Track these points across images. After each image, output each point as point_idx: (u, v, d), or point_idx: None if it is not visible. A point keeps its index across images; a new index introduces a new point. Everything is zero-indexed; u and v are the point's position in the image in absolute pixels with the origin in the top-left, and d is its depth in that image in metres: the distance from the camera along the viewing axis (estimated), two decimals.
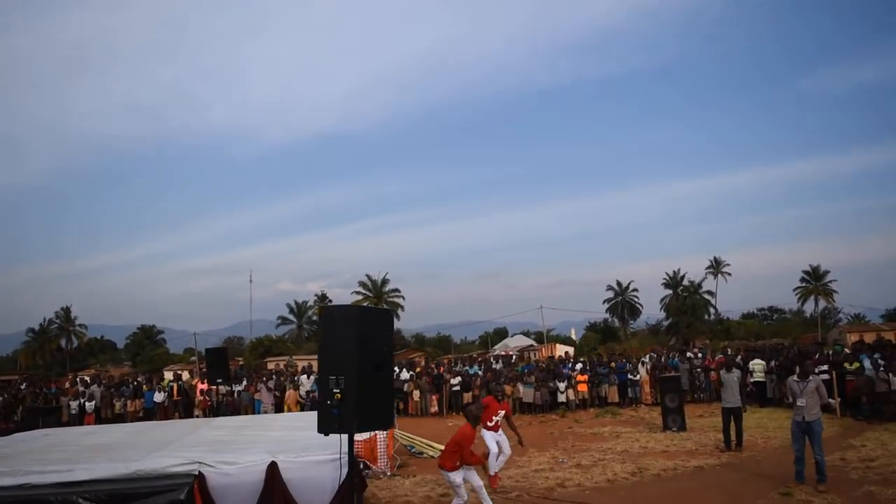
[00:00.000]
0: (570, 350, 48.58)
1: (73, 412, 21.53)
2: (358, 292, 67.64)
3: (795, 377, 9.89)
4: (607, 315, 78.89)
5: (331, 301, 73.43)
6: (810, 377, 9.59)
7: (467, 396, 21.42)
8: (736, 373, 12.70)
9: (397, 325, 76.37)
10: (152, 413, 21.89)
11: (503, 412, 10.51)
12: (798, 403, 9.49)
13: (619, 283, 77.49)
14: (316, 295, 79.00)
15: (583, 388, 21.67)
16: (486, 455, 9.92)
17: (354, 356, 4.43)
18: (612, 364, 22.93)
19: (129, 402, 22.62)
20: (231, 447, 7.33)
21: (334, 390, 4.47)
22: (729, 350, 26.01)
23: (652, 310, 79.61)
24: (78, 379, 28.54)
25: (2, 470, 6.54)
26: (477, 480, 8.25)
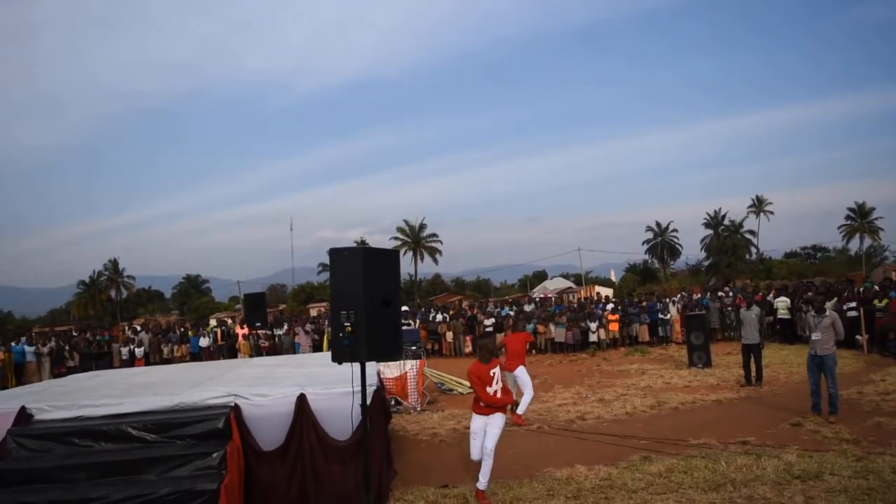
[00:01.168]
0: (608, 292, 48.70)
1: (124, 357, 22.65)
2: (396, 238, 68.31)
3: (813, 312, 10.11)
4: (647, 256, 78.66)
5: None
6: (826, 312, 9.81)
7: (499, 338, 21.94)
8: (755, 310, 12.93)
9: (436, 269, 77.26)
10: (198, 357, 22.88)
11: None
12: (813, 337, 9.74)
13: (658, 224, 76.94)
14: (355, 241, 79.82)
15: (614, 327, 22.07)
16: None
17: (362, 293, 4.86)
18: (643, 303, 23.23)
19: (175, 348, 23.70)
20: (265, 382, 7.88)
21: (345, 324, 4.92)
22: (759, 288, 26.06)
23: (692, 250, 79.18)
24: (128, 326, 29.79)
25: (60, 404, 7.22)
26: (490, 441, 7.05)
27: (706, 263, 72.66)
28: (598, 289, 52.35)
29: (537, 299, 37.01)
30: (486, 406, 7.11)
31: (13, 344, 21.40)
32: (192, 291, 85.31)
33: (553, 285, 63.38)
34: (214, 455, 6.26)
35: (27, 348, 20.85)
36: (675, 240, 76.90)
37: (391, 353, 5.49)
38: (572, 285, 61.87)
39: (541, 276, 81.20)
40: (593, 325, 21.99)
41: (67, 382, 10.20)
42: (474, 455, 7.13)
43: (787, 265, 68.37)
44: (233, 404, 6.87)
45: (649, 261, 79.04)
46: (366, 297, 4.87)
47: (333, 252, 5.08)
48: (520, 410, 10.51)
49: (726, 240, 69.54)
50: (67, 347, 22.42)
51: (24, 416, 6.98)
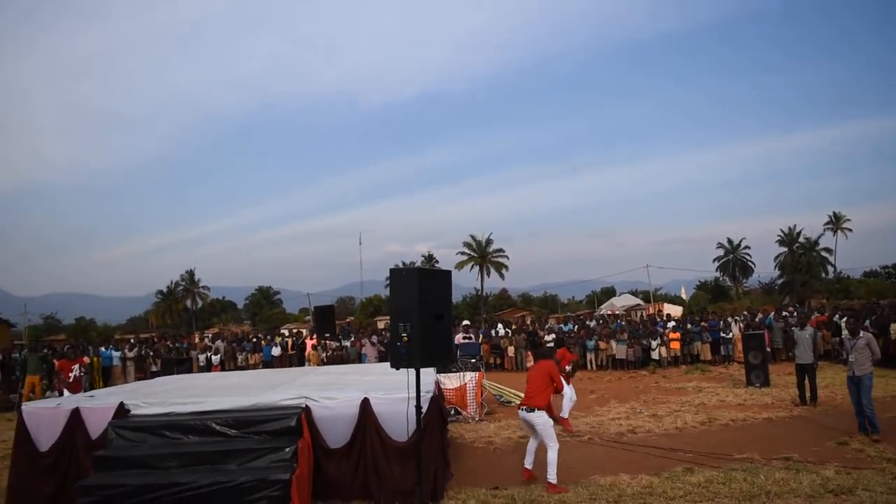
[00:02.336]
0: (678, 309, 48.20)
1: (201, 364, 23.91)
2: (462, 253, 68.72)
3: (848, 335, 10.35)
4: (718, 274, 77.31)
5: (437, 261, 75.18)
6: (861, 334, 10.04)
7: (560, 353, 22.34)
8: (808, 330, 13.10)
9: (503, 284, 77.46)
10: (270, 365, 23.95)
11: (574, 360, 11.34)
12: (850, 359, 9.99)
13: (730, 241, 75.56)
14: (423, 256, 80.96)
15: (675, 345, 22.21)
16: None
17: (417, 308, 5.51)
18: (705, 322, 23.28)
19: (249, 356, 24.88)
20: (333, 387, 8.63)
21: (402, 334, 5.57)
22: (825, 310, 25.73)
23: (765, 268, 77.32)
24: (205, 335, 31.29)
25: (152, 401, 8.13)
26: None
27: (780, 282, 70.96)
28: (666, 306, 51.87)
29: (605, 316, 37.13)
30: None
31: (102, 349, 22.99)
32: (264, 302, 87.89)
33: (621, 302, 62.82)
34: (287, 450, 7.01)
35: (114, 353, 22.40)
36: (748, 257, 75.39)
37: (442, 361, 6.16)
38: (640, 302, 61.27)
39: (609, 293, 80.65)
40: (654, 343, 22.19)
41: (155, 384, 11.21)
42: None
43: (866, 284, 66.10)
44: (304, 405, 7.64)
45: (720, 278, 77.70)
46: (420, 312, 5.53)
47: (393, 272, 5.78)
48: (564, 414, 11.38)
49: (801, 258, 67.78)
50: (151, 353, 23.85)
51: (122, 410, 7.92)
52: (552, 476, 7.85)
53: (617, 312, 45.88)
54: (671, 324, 23.86)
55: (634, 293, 72.34)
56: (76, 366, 15.35)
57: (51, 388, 19.14)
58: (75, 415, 7.97)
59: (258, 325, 66.04)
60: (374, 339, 23.88)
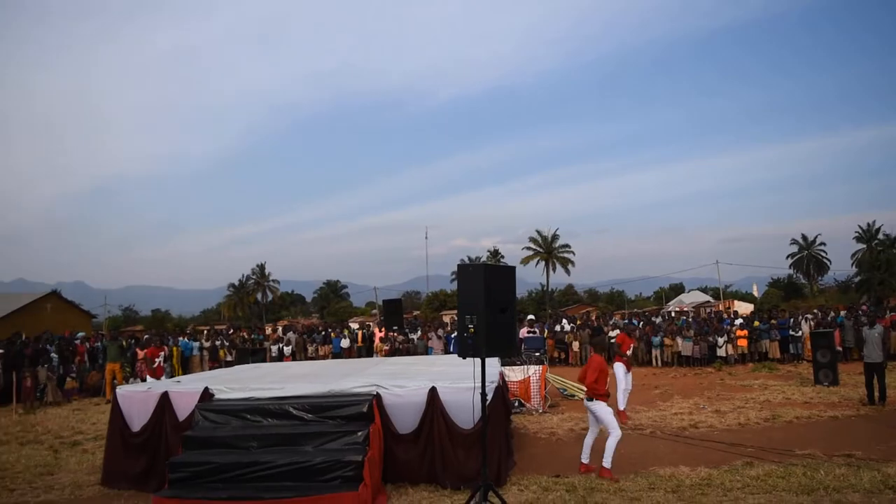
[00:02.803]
0: (748, 307, 47.23)
1: (274, 355, 24.82)
2: (528, 248, 68.82)
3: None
4: (791, 271, 75.32)
5: (502, 256, 75.46)
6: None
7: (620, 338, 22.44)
8: (878, 329, 12.92)
9: (569, 280, 77.14)
10: (339, 357, 24.68)
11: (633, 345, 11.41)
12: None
13: (804, 237, 73.50)
14: (488, 251, 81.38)
15: (742, 343, 21.99)
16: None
17: (482, 301, 5.86)
18: (773, 320, 22.95)
19: (319, 347, 25.69)
20: (402, 376, 9.06)
21: (469, 326, 5.93)
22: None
23: (842, 266, 74.90)
24: (277, 327, 32.37)
25: (234, 387, 8.74)
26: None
27: (857, 280, 68.62)
28: (736, 304, 50.87)
29: (672, 312, 36.80)
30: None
31: (182, 339, 24.14)
32: (332, 296, 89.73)
33: (689, 299, 61.92)
34: (359, 434, 7.47)
35: (194, 343, 23.51)
36: (823, 254, 73.27)
37: (505, 351, 6.52)
38: (710, 299, 60.25)
39: (677, 290, 79.58)
40: (721, 340, 22.02)
41: (235, 371, 11.90)
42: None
43: None
44: (375, 393, 8.09)
45: (794, 276, 75.69)
46: (486, 305, 5.88)
47: (461, 267, 6.16)
48: (621, 406, 11.74)
49: (880, 255, 65.33)
50: (227, 344, 24.88)
51: (207, 394, 8.53)
52: (607, 461, 8.12)
53: (685, 309, 45.31)
54: (738, 321, 23.60)
55: (704, 290, 71.06)
56: (161, 353, 16.26)
57: (133, 375, 20.27)
58: (164, 398, 8.61)
59: (326, 318, 67.44)
60: (440, 332, 24.37)
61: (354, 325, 31.10)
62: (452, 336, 23.83)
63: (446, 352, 23.03)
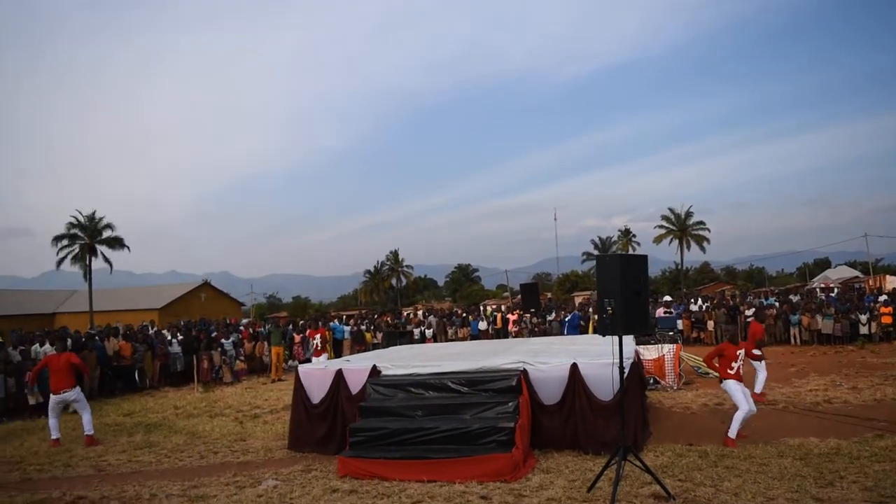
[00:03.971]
0: None
1: (416, 337, 26.35)
2: (661, 226, 67.56)
3: None
4: None
5: (634, 235, 74.63)
6: None
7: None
8: None
9: (704, 257, 75.18)
10: (477, 339, 25.96)
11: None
12: None
13: None
14: (619, 230, 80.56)
15: (887, 320, 21.42)
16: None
17: (619, 286, 6.71)
18: None
19: (458, 330, 27.06)
20: (545, 354, 10.03)
21: (608, 308, 6.79)
22: None
23: None
24: (417, 311, 34.12)
25: (398, 364, 10.02)
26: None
27: None
28: (888, 279, 48.29)
29: (811, 289, 35.70)
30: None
31: (333, 323, 26.17)
32: (463, 280, 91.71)
33: (836, 274, 58.98)
34: (510, 404, 8.50)
35: (344, 328, 25.45)
36: None
37: (640, 329, 7.37)
38: (858, 274, 57.19)
39: (822, 265, 75.87)
40: (863, 318, 21.54)
41: (394, 351, 13.30)
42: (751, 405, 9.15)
43: None
44: (522, 369, 9.10)
45: None
46: (622, 289, 6.75)
47: (598, 258, 7.10)
48: (757, 389, 11.96)
49: None
50: (372, 327, 26.71)
51: (375, 371, 9.82)
52: (732, 432, 8.84)
53: (831, 285, 43.56)
54: (883, 297, 22.92)
55: (852, 265, 67.50)
56: (318, 335, 17.99)
57: (292, 357, 22.33)
58: (339, 374, 10.00)
59: (458, 302, 69.14)
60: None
61: (490, 308, 32.28)
62: (566, 320, 24.62)
63: (582, 333, 23.76)
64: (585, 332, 23.40)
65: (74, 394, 11.40)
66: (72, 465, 9.80)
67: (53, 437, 11.24)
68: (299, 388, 10.41)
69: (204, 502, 7.48)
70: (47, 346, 16.65)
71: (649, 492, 6.88)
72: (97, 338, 19.54)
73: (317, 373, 10.39)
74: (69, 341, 15.92)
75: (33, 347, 17.07)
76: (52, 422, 11.29)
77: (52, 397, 11.29)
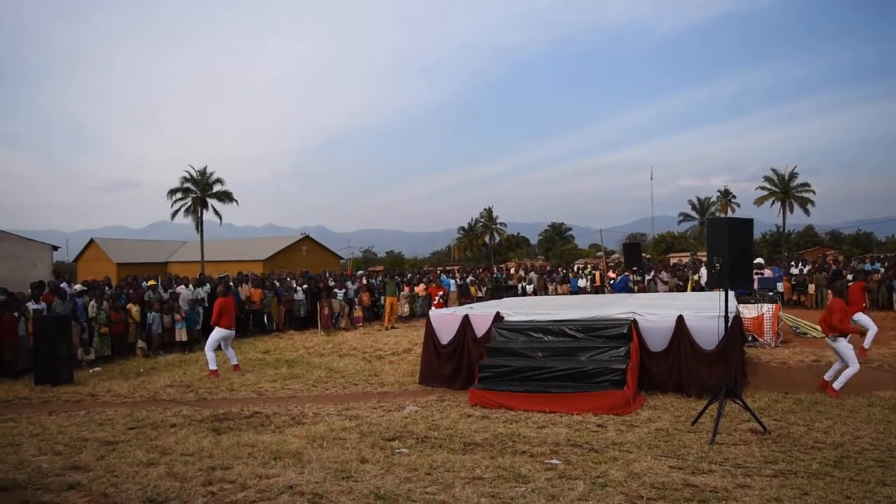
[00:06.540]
0: None
1: (518, 293, 27.63)
2: (762, 188, 65.64)
3: None
4: None
5: (734, 196, 73.20)
6: None
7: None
8: None
9: (808, 220, 72.66)
10: (577, 295, 26.96)
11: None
12: None
13: None
14: (718, 191, 78.90)
15: None
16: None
17: (726, 246, 7.67)
18: None
19: (558, 287, 28.11)
20: (653, 307, 11.05)
21: (716, 265, 7.76)
22: None
23: None
24: (520, 267, 35.35)
25: (518, 311, 11.25)
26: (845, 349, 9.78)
27: None
28: None
29: None
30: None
31: (442, 277, 27.72)
32: (556, 238, 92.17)
33: None
34: (622, 349, 9.60)
35: (451, 281, 26.94)
36: None
37: (744, 284, 8.36)
38: None
39: None
40: None
41: (510, 302, 14.58)
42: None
43: None
44: (632, 319, 10.16)
45: None
46: (729, 248, 7.71)
47: (710, 221, 8.06)
48: (866, 345, 12.74)
49: None
50: (476, 281, 28.10)
51: (498, 317, 11.09)
52: (839, 384, 9.58)
53: None
54: None
55: None
56: (441, 292, 19.49)
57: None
58: (465, 319, 11.31)
59: (550, 260, 69.76)
60: (665, 276, 25.68)
61: (589, 267, 33.10)
62: (615, 282, 25.23)
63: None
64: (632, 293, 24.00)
65: (233, 331, 13.31)
66: (235, 390, 11.51)
67: (212, 367, 12.99)
68: (430, 331, 11.78)
69: (360, 420, 8.91)
70: (192, 287, 18.82)
71: (747, 427, 7.86)
72: (231, 284, 21.64)
73: (446, 317, 11.75)
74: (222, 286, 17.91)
75: (179, 288, 19.13)
76: (210, 355, 13.07)
77: (221, 332, 13.09)
